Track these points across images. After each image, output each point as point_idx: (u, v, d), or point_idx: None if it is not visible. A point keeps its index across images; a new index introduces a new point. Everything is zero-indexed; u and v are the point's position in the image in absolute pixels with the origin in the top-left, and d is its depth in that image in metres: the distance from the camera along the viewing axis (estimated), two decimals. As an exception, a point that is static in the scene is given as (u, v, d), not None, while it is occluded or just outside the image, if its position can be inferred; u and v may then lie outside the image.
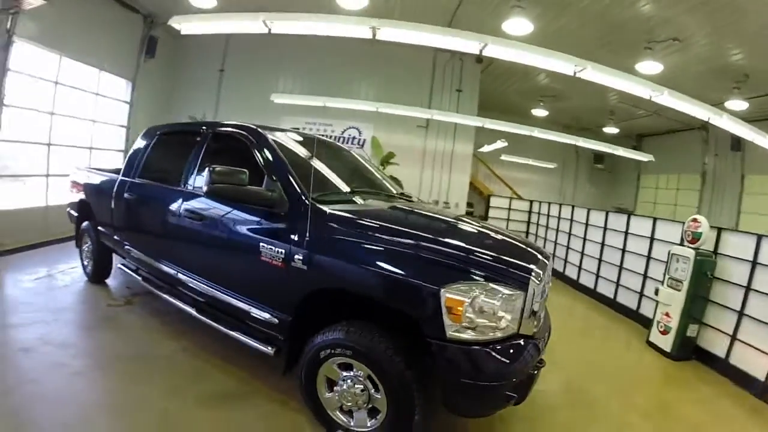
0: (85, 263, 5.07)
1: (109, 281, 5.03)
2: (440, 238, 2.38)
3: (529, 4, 6.20)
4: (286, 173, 2.79)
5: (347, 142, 10.04)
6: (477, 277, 2.10)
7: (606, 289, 6.29)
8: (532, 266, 2.29)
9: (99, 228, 4.56)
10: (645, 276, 5.42)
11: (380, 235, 2.35)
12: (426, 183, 10.21)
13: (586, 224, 7.07)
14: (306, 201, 2.56)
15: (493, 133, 11.25)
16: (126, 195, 4.02)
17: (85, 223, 4.85)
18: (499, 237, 2.86)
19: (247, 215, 2.82)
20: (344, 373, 2.37)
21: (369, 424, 2.35)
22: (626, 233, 5.92)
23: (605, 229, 6.49)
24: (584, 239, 7.09)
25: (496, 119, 9.74)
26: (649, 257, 5.39)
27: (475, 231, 2.95)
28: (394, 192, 3.78)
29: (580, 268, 7.15)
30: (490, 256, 2.30)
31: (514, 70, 9.95)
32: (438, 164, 10.20)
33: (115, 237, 4.27)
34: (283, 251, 2.53)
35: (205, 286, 3.19)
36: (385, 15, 7.18)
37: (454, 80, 10.08)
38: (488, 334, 2.07)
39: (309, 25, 4.62)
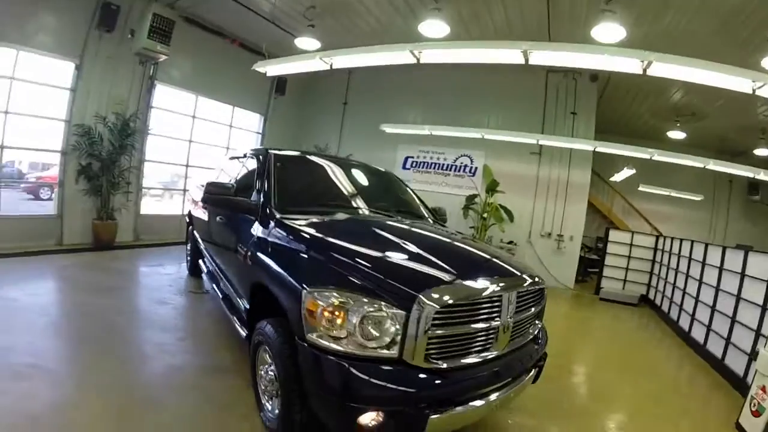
0: (188, 259, 6.24)
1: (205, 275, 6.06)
2: (350, 246, 2.39)
3: (622, 8, 5.51)
4: (265, 186, 3.17)
5: (459, 171, 9.99)
6: (348, 285, 2.03)
7: (715, 347, 4.89)
8: (440, 284, 2.09)
9: (194, 231, 5.62)
10: (758, 333, 4.09)
11: (295, 240, 2.55)
12: (539, 214, 9.45)
13: (703, 264, 5.68)
14: (267, 209, 2.94)
15: (624, 161, 9.91)
16: (202, 204, 4.95)
17: (190, 228, 6.02)
18: (445, 251, 2.74)
19: (236, 220, 3.35)
20: (269, 361, 2.50)
21: (276, 413, 2.42)
22: (742, 275, 4.58)
23: (720, 269, 5.12)
24: (700, 282, 5.68)
25: (622, 144, 8.55)
26: (765, 308, 4.07)
27: (418, 243, 2.69)
28: (414, 210, 3.88)
29: (693, 317, 5.73)
30: (387, 267, 2.21)
31: (640, 87, 8.73)
32: (552, 193, 9.37)
33: (198, 238, 5.25)
34: (245, 248, 2.95)
35: (222, 276, 3.79)
36: (476, 38, 7.28)
37: (569, 102, 9.23)
38: (353, 349, 1.93)
39: (359, 57, 5.00)
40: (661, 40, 5.97)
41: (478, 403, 2.11)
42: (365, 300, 1.96)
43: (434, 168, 10.19)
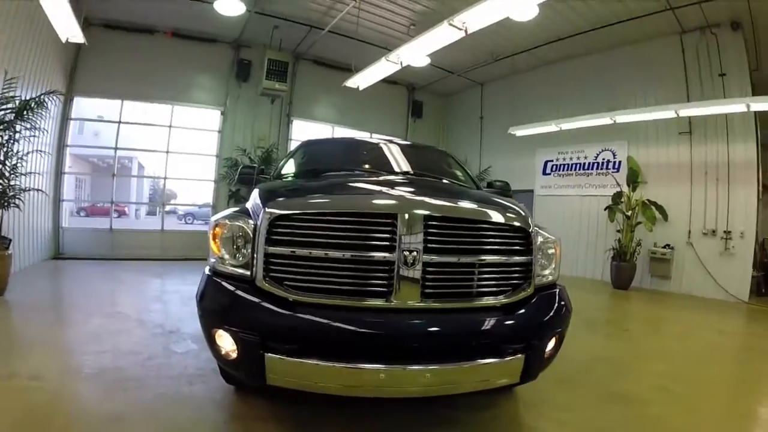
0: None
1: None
2: (280, 187, 2.30)
3: None
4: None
5: (602, 168, 8.58)
6: (243, 212, 2.02)
7: None
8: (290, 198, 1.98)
9: None
10: None
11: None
12: (698, 207, 7.44)
13: None
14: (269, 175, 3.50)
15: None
16: None
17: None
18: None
19: None
20: None
21: None
22: None
23: None
24: None
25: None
26: None
27: (360, 183, 2.39)
28: (433, 173, 3.28)
29: None
30: (278, 195, 2.03)
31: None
32: (711, 180, 7.29)
33: None
34: None
35: None
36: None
37: (713, 64, 7.23)
38: (220, 268, 1.93)
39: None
40: None
41: (338, 364, 1.62)
42: (239, 217, 1.91)
43: (575, 169, 8.97)
